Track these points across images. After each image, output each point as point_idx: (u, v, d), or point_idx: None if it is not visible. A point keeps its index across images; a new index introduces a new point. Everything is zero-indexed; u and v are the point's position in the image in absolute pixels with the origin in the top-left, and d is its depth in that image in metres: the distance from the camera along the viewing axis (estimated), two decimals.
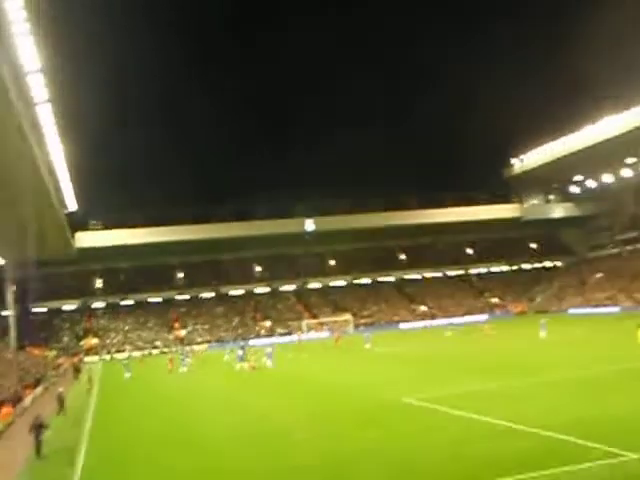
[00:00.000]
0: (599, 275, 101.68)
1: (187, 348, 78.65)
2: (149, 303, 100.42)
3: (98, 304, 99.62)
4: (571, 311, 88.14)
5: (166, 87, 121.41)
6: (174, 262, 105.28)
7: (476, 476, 14.84)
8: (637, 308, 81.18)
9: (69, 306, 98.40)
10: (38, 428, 22.87)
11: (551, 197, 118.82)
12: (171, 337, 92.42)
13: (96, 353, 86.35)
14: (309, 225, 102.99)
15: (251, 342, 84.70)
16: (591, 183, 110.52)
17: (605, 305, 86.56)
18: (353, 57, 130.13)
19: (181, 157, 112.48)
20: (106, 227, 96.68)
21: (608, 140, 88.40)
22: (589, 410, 21.42)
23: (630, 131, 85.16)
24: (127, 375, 53.36)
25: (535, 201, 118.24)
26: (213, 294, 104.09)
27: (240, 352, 52.96)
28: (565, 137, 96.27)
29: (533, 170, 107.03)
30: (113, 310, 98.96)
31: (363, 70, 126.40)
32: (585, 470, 14.64)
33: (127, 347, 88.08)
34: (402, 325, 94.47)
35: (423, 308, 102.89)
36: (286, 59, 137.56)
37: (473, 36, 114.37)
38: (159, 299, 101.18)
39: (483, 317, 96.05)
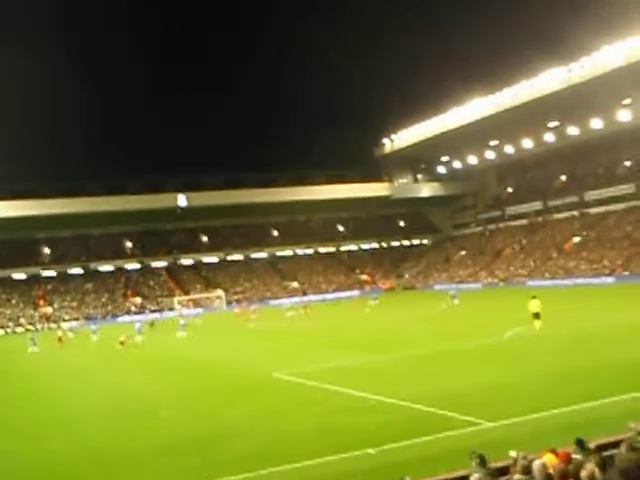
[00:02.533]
0: (463, 253, 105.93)
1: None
2: (13, 279, 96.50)
3: None
4: (437, 287, 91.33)
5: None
6: (40, 236, 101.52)
7: (345, 448, 15.39)
8: (497, 285, 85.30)
9: None
10: None
11: (419, 176, 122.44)
12: (37, 314, 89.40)
13: None
14: (181, 200, 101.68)
15: (120, 319, 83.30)
16: (457, 164, 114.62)
17: (468, 282, 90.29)
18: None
19: (53, 126, 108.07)
20: None
21: (474, 122, 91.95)
22: (453, 382, 22.51)
23: (495, 114, 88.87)
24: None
25: (404, 180, 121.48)
26: (82, 270, 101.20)
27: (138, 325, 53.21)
28: (434, 118, 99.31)
29: (402, 150, 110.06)
30: None
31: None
32: (447, 438, 15.52)
33: None
34: (273, 302, 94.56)
35: (295, 284, 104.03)
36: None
37: (344, 7, 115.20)
38: (24, 275, 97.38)
39: (354, 293, 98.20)
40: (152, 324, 66.00)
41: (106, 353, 46.03)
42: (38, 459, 17.64)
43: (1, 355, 53.63)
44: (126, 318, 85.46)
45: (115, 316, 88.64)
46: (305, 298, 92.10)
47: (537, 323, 34.54)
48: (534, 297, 35.79)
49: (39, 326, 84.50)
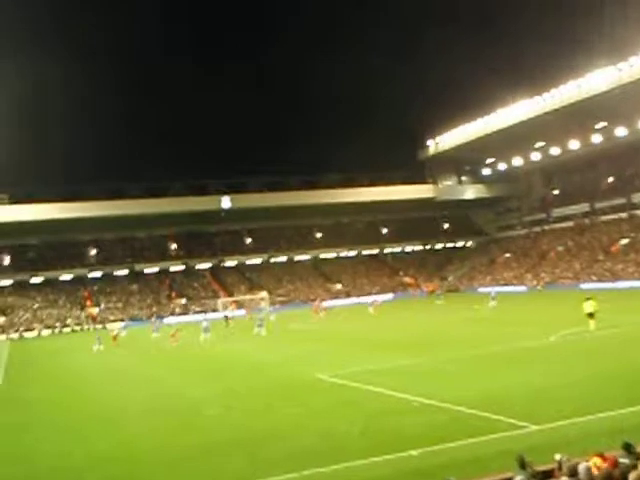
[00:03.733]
0: (507, 255, 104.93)
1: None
2: (60, 280, 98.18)
3: (5, 281, 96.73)
4: (480, 290, 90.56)
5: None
6: (86, 239, 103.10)
7: (390, 448, 15.35)
8: (544, 288, 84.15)
9: None
10: None
11: (464, 179, 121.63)
12: (83, 315, 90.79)
13: (3, 332, 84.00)
14: (225, 202, 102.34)
15: (166, 320, 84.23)
16: (502, 165, 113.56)
17: (512, 284, 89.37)
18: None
19: (98, 128, 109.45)
20: (14, 202, 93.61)
21: (520, 123, 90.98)
22: (496, 384, 22.33)
23: (541, 115, 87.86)
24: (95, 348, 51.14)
25: (448, 182, 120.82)
26: (127, 271, 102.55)
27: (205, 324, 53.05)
28: (479, 120, 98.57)
29: (447, 152, 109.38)
30: (22, 287, 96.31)
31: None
32: (490, 441, 15.38)
33: (36, 325, 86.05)
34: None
35: (338, 286, 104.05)
36: None
37: (388, 13, 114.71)
38: (70, 276, 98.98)
39: (399, 295, 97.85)
40: (227, 321, 67.17)
41: (161, 351, 46.68)
42: (88, 459, 17.92)
43: (68, 353, 54.28)
44: (171, 319, 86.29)
45: (160, 317, 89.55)
46: (355, 299, 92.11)
47: (592, 323, 34.74)
48: (589, 298, 35.94)
49: (86, 327, 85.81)
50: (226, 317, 70.21)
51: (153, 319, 78.31)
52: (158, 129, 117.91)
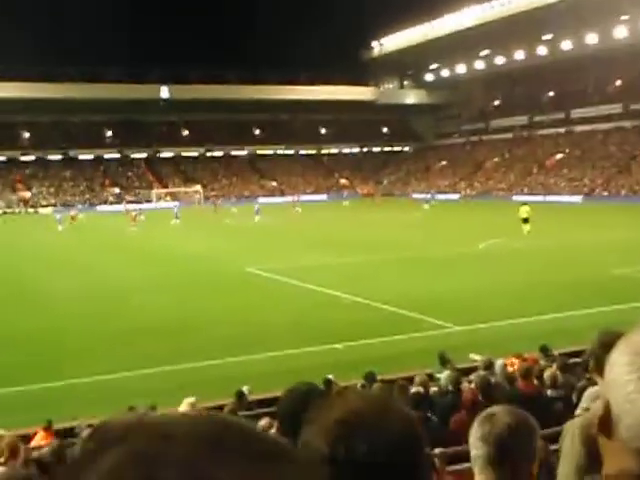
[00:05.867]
0: (443, 163, 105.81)
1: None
2: None
3: None
4: (415, 195, 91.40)
5: None
6: (19, 120, 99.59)
7: (315, 341, 15.75)
8: (476, 197, 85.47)
9: None
10: None
11: (406, 83, 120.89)
12: (14, 198, 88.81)
13: None
14: (164, 92, 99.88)
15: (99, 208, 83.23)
16: (445, 72, 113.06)
17: (446, 192, 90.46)
18: None
19: (33, 6, 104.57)
20: None
21: (466, 30, 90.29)
22: (424, 287, 22.92)
23: (488, 22, 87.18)
24: None
25: (390, 86, 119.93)
26: (60, 157, 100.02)
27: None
28: (426, 24, 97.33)
29: (390, 54, 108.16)
30: None
31: None
32: (414, 338, 15.92)
33: None
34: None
35: (273, 184, 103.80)
36: None
37: None
38: (3, 158, 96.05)
39: (332, 197, 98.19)
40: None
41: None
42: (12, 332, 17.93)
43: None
44: (104, 207, 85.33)
45: (93, 205, 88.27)
46: (286, 198, 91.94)
47: (525, 227, 37.18)
48: (525, 203, 38.39)
49: (17, 210, 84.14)
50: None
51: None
52: (102, 11, 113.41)
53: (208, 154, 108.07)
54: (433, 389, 8.68)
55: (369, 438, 1.03)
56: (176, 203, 79.62)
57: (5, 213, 79.89)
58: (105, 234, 51.12)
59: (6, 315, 20.85)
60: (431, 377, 9.79)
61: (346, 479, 1.00)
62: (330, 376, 9.93)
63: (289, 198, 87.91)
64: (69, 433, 9.34)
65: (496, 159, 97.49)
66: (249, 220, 56.21)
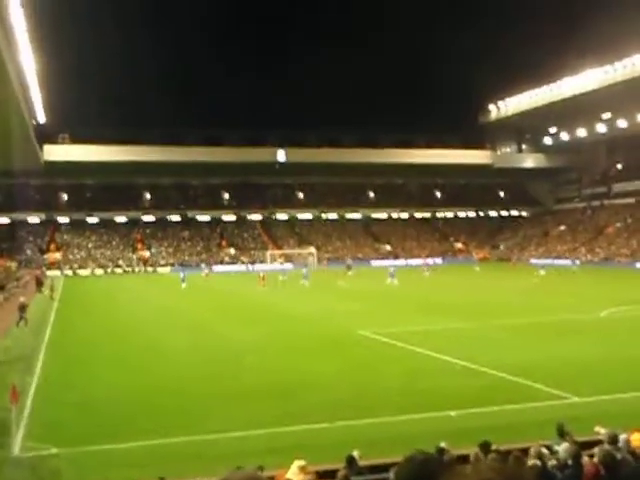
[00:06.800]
0: (562, 228, 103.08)
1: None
2: (114, 222, 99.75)
3: (63, 219, 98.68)
4: (533, 261, 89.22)
5: None
6: (142, 182, 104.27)
7: (428, 407, 15.27)
8: (597, 263, 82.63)
9: (34, 219, 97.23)
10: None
11: (524, 147, 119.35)
12: (134, 257, 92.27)
13: (58, 268, 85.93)
14: (280, 155, 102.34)
15: (215, 268, 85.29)
16: (564, 136, 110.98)
17: (566, 258, 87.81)
18: None
19: (160, 72, 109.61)
20: (75, 141, 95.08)
21: (587, 93, 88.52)
22: (541, 354, 22.02)
23: (609, 85, 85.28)
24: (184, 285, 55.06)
25: (508, 149, 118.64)
26: (179, 218, 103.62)
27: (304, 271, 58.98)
28: (544, 87, 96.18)
29: (509, 118, 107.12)
30: (78, 226, 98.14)
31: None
32: (530, 408, 15.18)
33: (90, 264, 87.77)
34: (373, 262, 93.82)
35: (387, 248, 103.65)
36: None
37: None
38: (125, 218, 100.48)
39: (448, 260, 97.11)
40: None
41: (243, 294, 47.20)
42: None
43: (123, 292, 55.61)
44: (220, 267, 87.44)
45: (209, 265, 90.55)
46: (398, 262, 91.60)
47: None
48: None
49: (137, 269, 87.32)
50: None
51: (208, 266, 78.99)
52: (218, 78, 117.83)
53: (322, 216, 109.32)
54: (551, 462, 8.15)
55: None
56: (306, 265, 79.71)
57: (125, 272, 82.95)
58: (229, 293, 52.49)
59: (133, 374, 21.34)
60: (549, 449, 9.22)
61: None
62: (443, 444, 9.58)
63: (419, 261, 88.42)
64: None
65: (618, 224, 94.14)
66: (381, 283, 55.98)
